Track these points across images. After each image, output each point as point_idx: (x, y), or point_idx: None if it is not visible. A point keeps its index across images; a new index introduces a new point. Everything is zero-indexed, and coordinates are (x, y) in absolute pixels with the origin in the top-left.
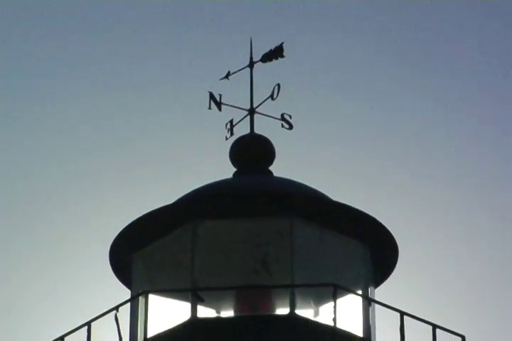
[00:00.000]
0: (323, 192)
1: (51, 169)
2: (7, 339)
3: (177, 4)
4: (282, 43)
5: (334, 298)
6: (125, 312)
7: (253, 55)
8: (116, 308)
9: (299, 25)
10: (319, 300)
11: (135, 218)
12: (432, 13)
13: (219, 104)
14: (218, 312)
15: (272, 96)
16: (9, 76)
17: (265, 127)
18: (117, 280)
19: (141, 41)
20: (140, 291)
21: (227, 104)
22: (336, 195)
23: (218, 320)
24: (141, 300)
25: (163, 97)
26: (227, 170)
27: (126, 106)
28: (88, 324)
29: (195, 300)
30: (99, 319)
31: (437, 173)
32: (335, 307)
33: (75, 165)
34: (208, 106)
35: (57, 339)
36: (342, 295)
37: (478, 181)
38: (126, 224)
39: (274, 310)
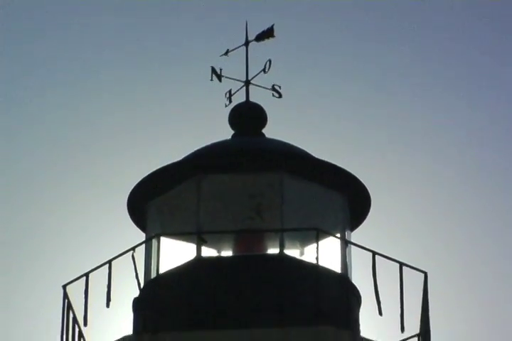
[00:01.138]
0: (308, 151)
1: (78, 127)
2: (38, 277)
3: None
4: (273, 25)
5: (317, 240)
6: (140, 252)
7: (248, 35)
8: (133, 249)
9: (288, 9)
10: (304, 242)
11: (149, 172)
12: None
13: (219, 77)
14: (219, 252)
15: (264, 70)
16: None
17: (258, 96)
18: (134, 225)
19: (149, 23)
20: (153, 234)
21: (226, 77)
22: (319, 154)
23: (219, 258)
24: (154, 242)
25: (172, 71)
26: (226, 133)
27: (141, 78)
28: (109, 262)
29: (200, 241)
30: (119, 258)
31: (410, 137)
32: (317, 248)
33: (100, 127)
34: (210, 78)
35: (83, 275)
36: (323, 237)
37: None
38: (142, 177)
39: (266, 250)
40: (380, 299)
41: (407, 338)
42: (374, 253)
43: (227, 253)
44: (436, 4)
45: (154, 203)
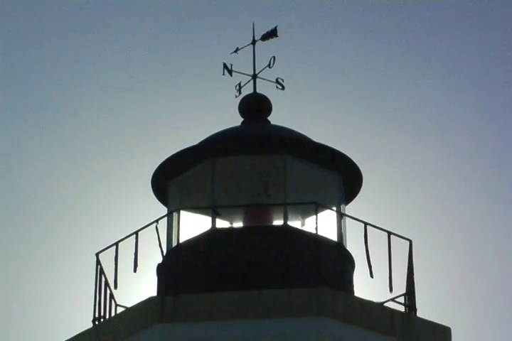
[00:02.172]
0: (308, 136)
1: (108, 115)
2: (74, 246)
3: None
4: (276, 26)
5: (316, 212)
6: (163, 224)
7: (255, 35)
8: (157, 221)
9: (289, 12)
10: (305, 214)
11: (170, 155)
12: None
13: (230, 72)
14: (231, 223)
15: (269, 65)
16: None
17: (264, 88)
18: (157, 201)
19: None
20: (174, 209)
21: (236, 71)
22: (318, 138)
23: (231, 229)
24: (175, 215)
25: (189, 67)
26: (236, 120)
27: (157, 74)
28: (136, 233)
29: (214, 215)
30: (144, 229)
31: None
32: (316, 219)
33: (131, 115)
34: (222, 73)
35: (113, 244)
36: (321, 210)
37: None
38: (164, 159)
39: (272, 222)
40: (371, 263)
41: (395, 297)
42: (365, 224)
43: (238, 224)
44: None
45: (174, 182)
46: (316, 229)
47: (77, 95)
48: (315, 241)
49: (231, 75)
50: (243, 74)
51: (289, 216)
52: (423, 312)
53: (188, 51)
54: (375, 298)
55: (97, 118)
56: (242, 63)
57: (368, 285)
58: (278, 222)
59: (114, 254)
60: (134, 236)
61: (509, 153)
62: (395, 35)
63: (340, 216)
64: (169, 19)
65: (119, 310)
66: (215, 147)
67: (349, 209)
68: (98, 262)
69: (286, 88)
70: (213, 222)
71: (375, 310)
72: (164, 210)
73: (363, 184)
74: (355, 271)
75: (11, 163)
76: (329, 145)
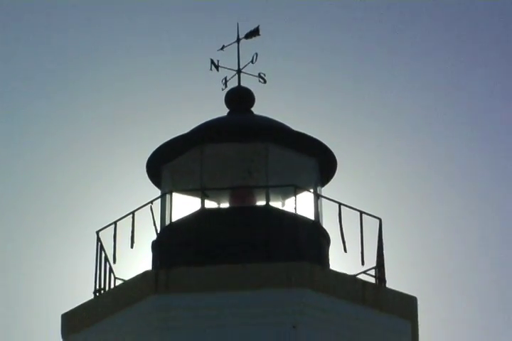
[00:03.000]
0: (288, 125)
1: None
2: (74, 225)
3: None
4: (258, 26)
5: (295, 194)
6: (157, 205)
7: (239, 34)
8: (151, 202)
9: (272, 12)
10: (285, 196)
11: (163, 142)
12: None
13: (217, 67)
14: (219, 204)
15: (252, 61)
16: None
17: (248, 82)
18: (152, 184)
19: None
20: (167, 191)
21: (222, 67)
22: (297, 127)
23: (219, 209)
24: (168, 197)
25: (179, 63)
26: (222, 111)
27: (152, 68)
28: (132, 213)
29: (203, 196)
30: (140, 209)
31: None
32: (295, 200)
33: (128, 105)
34: (209, 68)
35: (112, 223)
36: (300, 192)
37: None
38: (157, 146)
39: (255, 203)
40: (345, 240)
41: (366, 270)
42: (340, 204)
43: (225, 205)
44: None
45: (167, 166)
46: (295, 209)
47: (76, 84)
48: (294, 219)
49: (218, 70)
50: (229, 69)
51: (271, 197)
52: (392, 283)
53: (177, 48)
54: (349, 270)
55: (97, 106)
56: (228, 59)
57: (342, 259)
58: (261, 203)
59: (113, 232)
60: (131, 215)
61: (475, 131)
62: (369, 31)
63: (317, 197)
64: (161, 19)
65: (118, 282)
66: (204, 135)
67: (325, 190)
68: (98, 239)
69: (267, 82)
70: (202, 203)
71: (348, 281)
72: (158, 192)
73: (338, 168)
74: (330, 247)
75: (14, 145)
76: (307, 133)
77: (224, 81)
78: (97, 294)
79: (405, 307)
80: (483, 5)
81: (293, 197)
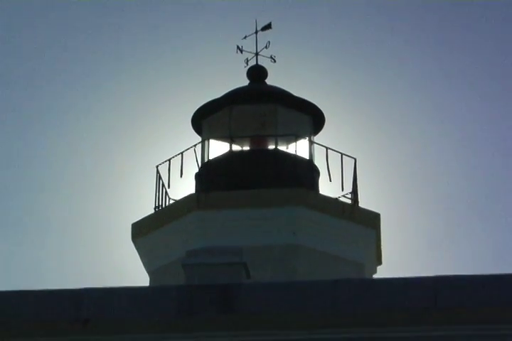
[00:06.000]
0: (291, 92)
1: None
2: (137, 161)
3: None
4: (270, 22)
5: (295, 141)
6: (199, 148)
7: (257, 27)
8: (195, 145)
9: (282, 10)
10: (288, 142)
11: (203, 103)
12: None
13: (241, 51)
14: (242, 147)
15: (266, 47)
16: None
17: (263, 62)
18: (195, 133)
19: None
20: (205, 138)
21: (245, 50)
22: (298, 93)
23: (242, 151)
24: (206, 142)
25: (216, 50)
26: (244, 82)
27: (194, 52)
28: (181, 153)
29: (231, 142)
30: (187, 150)
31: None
32: (295, 145)
33: (183, 80)
34: (236, 51)
35: (166, 160)
36: (299, 139)
37: None
38: (199, 106)
39: (267, 147)
40: (330, 173)
41: (345, 194)
42: (327, 148)
43: (246, 148)
44: None
45: (206, 121)
46: (296, 151)
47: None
48: (295, 158)
49: (242, 53)
50: (249, 52)
51: (279, 143)
52: (363, 204)
53: (213, 38)
54: (332, 194)
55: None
56: (249, 45)
57: (328, 187)
58: (271, 147)
59: (168, 166)
60: (180, 155)
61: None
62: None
63: (311, 143)
64: (200, 17)
65: (171, 202)
66: (232, 98)
67: (317, 138)
68: (158, 171)
69: (277, 62)
70: (230, 147)
71: (332, 202)
72: (199, 139)
73: (326, 122)
74: (320, 178)
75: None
76: (305, 98)
77: (246, 61)
78: (156, 209)
79: (372, 220)
80: None
81: (294, 143)
